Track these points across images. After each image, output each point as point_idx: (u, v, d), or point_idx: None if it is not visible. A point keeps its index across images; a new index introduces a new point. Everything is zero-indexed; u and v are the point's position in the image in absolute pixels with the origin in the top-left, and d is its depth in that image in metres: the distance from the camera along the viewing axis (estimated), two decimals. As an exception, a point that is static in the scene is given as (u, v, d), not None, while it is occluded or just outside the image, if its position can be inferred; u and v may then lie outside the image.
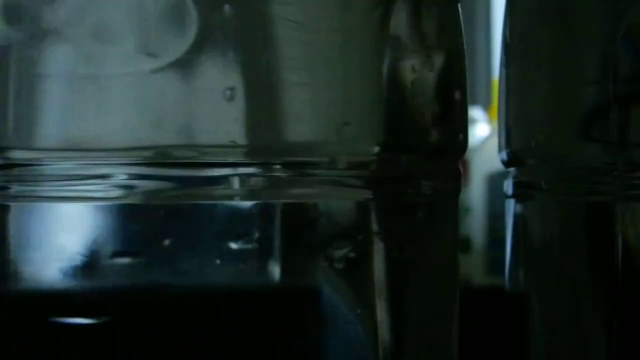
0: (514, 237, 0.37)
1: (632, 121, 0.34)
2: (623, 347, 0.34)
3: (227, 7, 0.26)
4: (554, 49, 0.36)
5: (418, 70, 0.29)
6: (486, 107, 1.19)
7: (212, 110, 0.26)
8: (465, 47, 0.32)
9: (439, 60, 0.30)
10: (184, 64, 0.26)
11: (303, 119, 0.27)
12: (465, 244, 0.88)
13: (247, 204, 0.27)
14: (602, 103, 0.34)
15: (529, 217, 0.37)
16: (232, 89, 0.26)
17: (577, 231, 0.36)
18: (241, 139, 0.26)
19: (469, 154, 0.81)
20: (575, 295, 0.36)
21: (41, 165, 0.26)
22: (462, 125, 0.31)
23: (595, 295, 0.35)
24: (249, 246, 0.26)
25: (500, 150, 0.38)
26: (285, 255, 0.27)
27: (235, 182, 0.26)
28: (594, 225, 0.35)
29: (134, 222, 0.26)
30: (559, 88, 0.36)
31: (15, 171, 0.26)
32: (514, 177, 0.37)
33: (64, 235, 0.26)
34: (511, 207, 0.37)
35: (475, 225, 0.90)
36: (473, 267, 0.88)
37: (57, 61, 0.26)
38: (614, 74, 0.34)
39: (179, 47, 0.25)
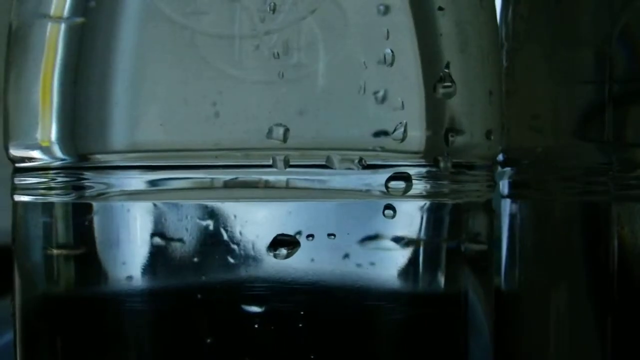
0: (509, 237, 0.37)
1: (627, 121, 0.34)
2: (618, 347, 0.34)
3: None
4: (549, 49, 0.36)
5: None
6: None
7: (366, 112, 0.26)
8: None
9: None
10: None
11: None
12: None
13: (414, 204, 0.27)
14: (597, 103, 0.34)
15: (524, 217, 0.37)
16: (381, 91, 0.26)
17: (573, 231, 0.36)
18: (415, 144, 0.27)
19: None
20: (570, 295, 0.36)
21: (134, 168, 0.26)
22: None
23: (591, 294, 0.35)
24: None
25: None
26: (438, 255, 0.28)
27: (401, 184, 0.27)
28: (589, 225, 0.35)
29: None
30: (555, 88, 0.36)
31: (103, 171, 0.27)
32: (510, 177, 0.37)
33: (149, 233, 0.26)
34: (507, 206, 0.37)
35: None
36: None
37: (148, 67, 0.26)
38: (609, 74, 0.34)
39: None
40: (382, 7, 0.26)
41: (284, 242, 0.26)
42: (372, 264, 0.27)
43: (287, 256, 0.26)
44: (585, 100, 0.35)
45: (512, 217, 0.37)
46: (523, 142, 0.36)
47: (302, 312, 0.26)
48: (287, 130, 0.25)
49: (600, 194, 0.34)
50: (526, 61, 0.36)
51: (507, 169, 0.37)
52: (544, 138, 0.36)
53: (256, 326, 0.26)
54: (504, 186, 0.38)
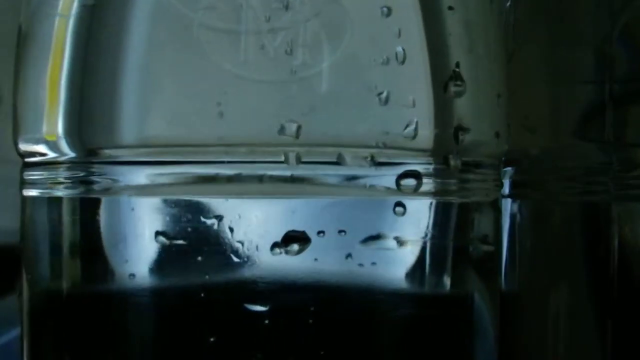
0: (509, 236, 0.37)
1: (627, 121, 0.34)
2: (618, 347, 0.34)
3: None
4: (550, 49, 0.36)
5: None
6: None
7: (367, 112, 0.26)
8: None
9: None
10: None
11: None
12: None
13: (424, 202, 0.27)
14: (598, 103, 0.34)
15: (524, 217, 0.37)
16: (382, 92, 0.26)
17: (573, 231, 0.36)
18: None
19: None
20: (570, 295, 0.36)
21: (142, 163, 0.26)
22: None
23: (591, 294, 0.35)
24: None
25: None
26: (445, 256, 0.28)
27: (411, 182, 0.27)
28: (589, 224, 0.35)
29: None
30: (555, 88, 0.36)
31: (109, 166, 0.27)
32: (510, 177, 0.37)
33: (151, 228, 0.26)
34: (507, 206, 0.37)
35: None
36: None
37: (149, 61, 0.26)
38: (610, 74, 0.34)
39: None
40: (391, 6, 0.26)
41: (296, 238, 0.26)
42: (383, 261, 0.27)
43: (299, 252, 0.26)
44: (585, 100, 0.35)
45: (512, 217, 0.37)
46: (523, 142, 0.36)
47: (311, 309, 0.26)
48: (299, 127, 0.25)
49: (600, 194, 0.34)
50: (526, 61, 0.36)
51: (508, 168, 0.37)
52: (543, 138, 0.36)
53: (265, 322, 0.26)
54: (504, 186, 0.37)
